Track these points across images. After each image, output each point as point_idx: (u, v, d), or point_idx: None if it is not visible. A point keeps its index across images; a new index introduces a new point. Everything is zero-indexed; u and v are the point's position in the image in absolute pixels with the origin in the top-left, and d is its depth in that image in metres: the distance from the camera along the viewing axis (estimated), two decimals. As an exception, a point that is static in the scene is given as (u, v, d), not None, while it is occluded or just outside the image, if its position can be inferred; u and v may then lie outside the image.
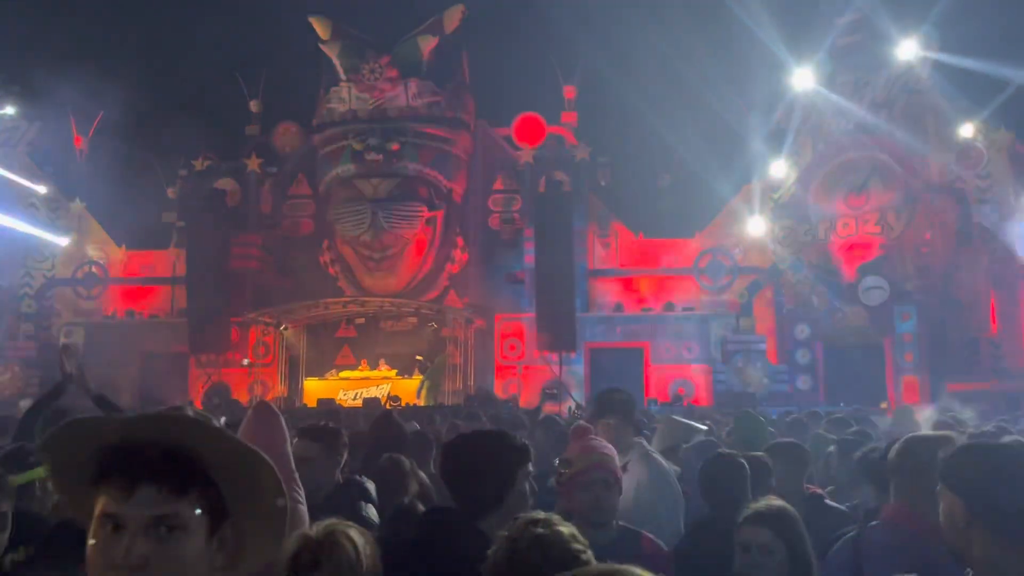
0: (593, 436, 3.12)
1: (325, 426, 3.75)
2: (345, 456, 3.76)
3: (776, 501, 2.80)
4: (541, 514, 2.07)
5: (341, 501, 3.27)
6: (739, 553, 2.69)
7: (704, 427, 5.65)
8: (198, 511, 1.26)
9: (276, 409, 2.27)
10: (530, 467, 2.60)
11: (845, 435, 5.08)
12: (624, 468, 3.34)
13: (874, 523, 2.80)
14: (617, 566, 1.26)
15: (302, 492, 2.25)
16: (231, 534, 1.31)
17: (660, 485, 3.75)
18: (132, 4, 20.87)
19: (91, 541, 1.24)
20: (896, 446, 2.81)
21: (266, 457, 1.29)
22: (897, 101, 17.48)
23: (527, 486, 2.55)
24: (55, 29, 19.93)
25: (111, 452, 1.26)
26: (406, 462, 3.93)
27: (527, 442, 2.69)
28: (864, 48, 17.42)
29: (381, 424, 4.59)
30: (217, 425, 1.33)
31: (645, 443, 4.12)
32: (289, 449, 2.29)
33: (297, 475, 2.25)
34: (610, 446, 3.08)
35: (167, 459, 1.24)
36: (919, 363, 16.45)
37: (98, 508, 1.24)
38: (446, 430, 6.36)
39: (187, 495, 1.25)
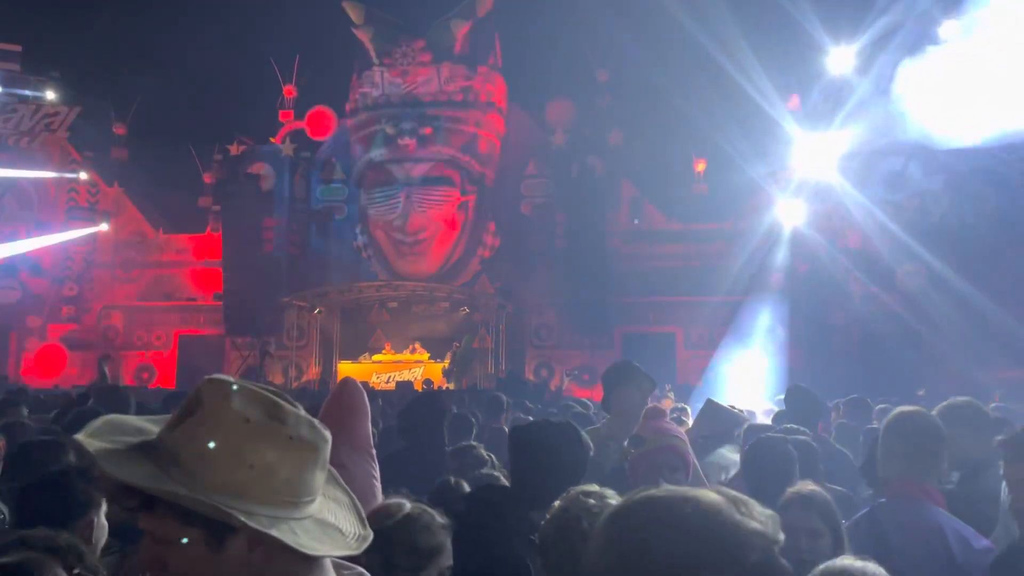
0: (667, 420, 3.06)
1: None
2: None
3: (811, 486, 2.77)
4: (594, 487, 2.09)
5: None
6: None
7: (745, 414, 5.58)
8: None
9: (360, 386, 2.34)
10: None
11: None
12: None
13: (883, 499, 2.83)
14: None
15: (376, 467, 2.30)
16: None
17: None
18: (168, -10, 21.07)
19: None
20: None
21: None
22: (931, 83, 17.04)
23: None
24: (93, 15, 20.18)
25: None
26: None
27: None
28: (904, 29, 17.00)
29: (424, 403, 4.62)
30: None
31: None
32: (369, 425, 2.36)
33: (374, 451, 2.31)
34: (682, 431, 3.01)
35: None
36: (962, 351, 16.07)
37: None
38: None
39: None
